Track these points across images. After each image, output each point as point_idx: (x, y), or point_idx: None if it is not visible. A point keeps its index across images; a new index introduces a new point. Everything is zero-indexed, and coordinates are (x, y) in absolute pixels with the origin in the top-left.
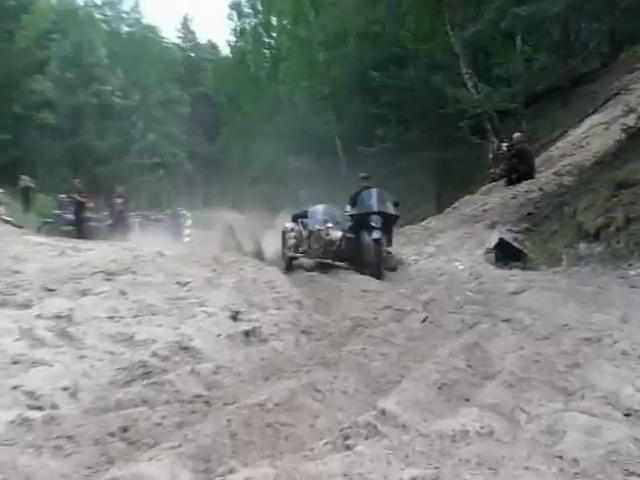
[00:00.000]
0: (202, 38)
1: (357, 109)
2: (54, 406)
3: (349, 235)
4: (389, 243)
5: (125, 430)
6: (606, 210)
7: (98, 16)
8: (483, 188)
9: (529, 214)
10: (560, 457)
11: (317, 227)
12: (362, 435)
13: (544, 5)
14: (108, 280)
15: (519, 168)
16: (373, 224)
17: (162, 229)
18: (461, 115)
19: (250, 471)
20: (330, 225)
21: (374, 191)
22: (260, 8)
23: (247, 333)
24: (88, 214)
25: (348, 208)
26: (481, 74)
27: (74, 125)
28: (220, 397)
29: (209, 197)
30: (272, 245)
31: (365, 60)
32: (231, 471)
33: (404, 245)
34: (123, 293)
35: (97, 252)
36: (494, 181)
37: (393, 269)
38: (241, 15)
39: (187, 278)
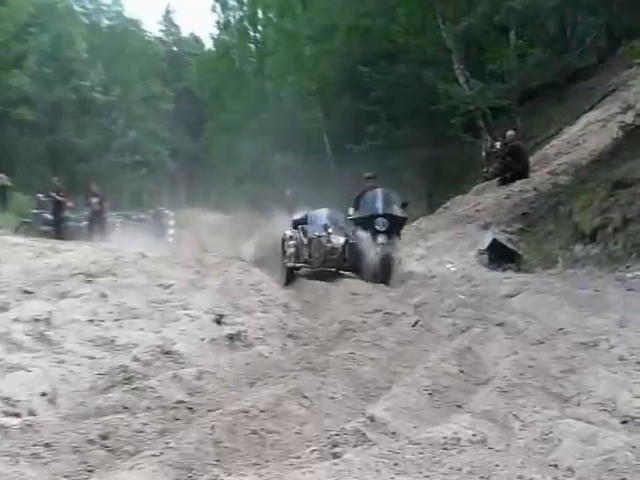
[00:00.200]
0: (185, 31)
1: (346, 105)
2: (32, 412)
3: (352, 241)
4: (398, 248)
5: (105, 437)
6: (603, 210)
7: (78, 9)
8: (476, 187)
9: (523, 214)
10: (555, 466)
11: (317, 234)
12: (350, 443)
13: None
14: (88, 282)
15: (513, 167)
16: (378, 228)
17: (144, 229)
18: (453, 112)
19: None
20: (331, 231)
21: (379, 191)
22: (245, 0)
23: (232, 337)
24: (67, 214)
25: (351, 211)
26: (474, 69)
27: (53, 122)
28: (203, 403)
29: (193, 196)
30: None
31: (354, 55)
32: None
33: None
34: (103, 296)
35: (76, 253)
36: (487, 180)
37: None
38: (225, 8)
39: (170, 280)
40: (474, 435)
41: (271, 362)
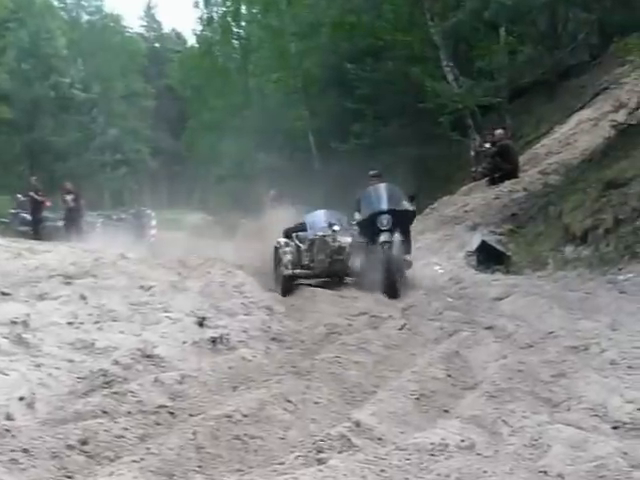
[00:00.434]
0: (167, 27)
1: (331, 103)
2: (9, 417)
3: (359, 241)
4: (406, 248)
5: (84, 443)
6: (594, 211)
7: (57, 4)
8: (464, 188)
9: (513, 215)
10: (544, 472)
11: (320, 233)
12: (335, 448)
13: None
14: (67, 284)
15: (502, 167)
16: (381, 226)
17: (125, 229)
18: (441, 110)
19: None
20: (337, 228)
21: (382, 186)
22: None
23: (214, 340)
24: (46, 214)
25: (356, 216)
26: (462, 67)
27: (31, 119)
28: (185, 408)
29: (175, 196)
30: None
31: (340, 52)
32: None
33: None
34: (83, 298)
35: (55, 254)
36: (476, 180)
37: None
38: (208, 3)
39: (151, 282)
40: (462, 441)
41: (254, 366)
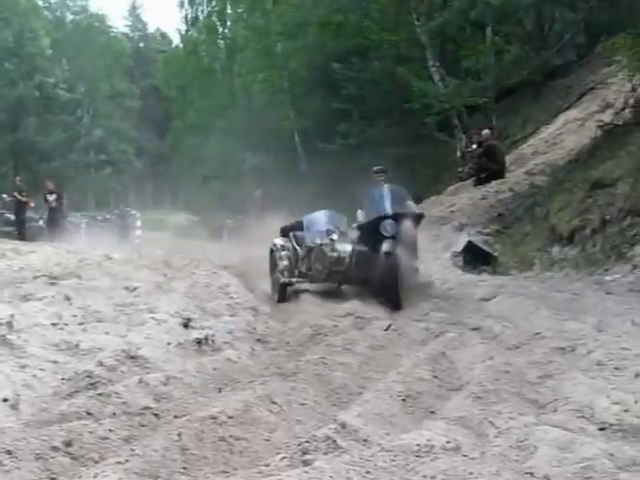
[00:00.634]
0: (152, 27)
1: (317, 103)
2: None
3: (360, 248)
4: (412, 256)
5: (69, 444)
6: (581, 212)
7: (41, 3)
8: (450, 188)
9: (499, 215)
10: (531, 474)
11: (318, 241)
12: (321, 450)
13: None
14: (51, 285)
15: (489, 167)
16: (384, 233)
17: (109, 230)
18: (427, 110)
19: None
20: (335, 237)
21: (386, 187)
22: None
23: (199, 342)
24: (30, 214)
25: (360, 216)
26: (449, 67)
27: (15, 120)
28: (170, 409)
29: (160, 196)
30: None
31: (326, 51)
32: None
33: None
34: (67, 299)
35: (39, 255)
36: (462, 180)
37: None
38: (193, 3)
39: (136, 283)
40: (448, 442)
41: (240, 367)
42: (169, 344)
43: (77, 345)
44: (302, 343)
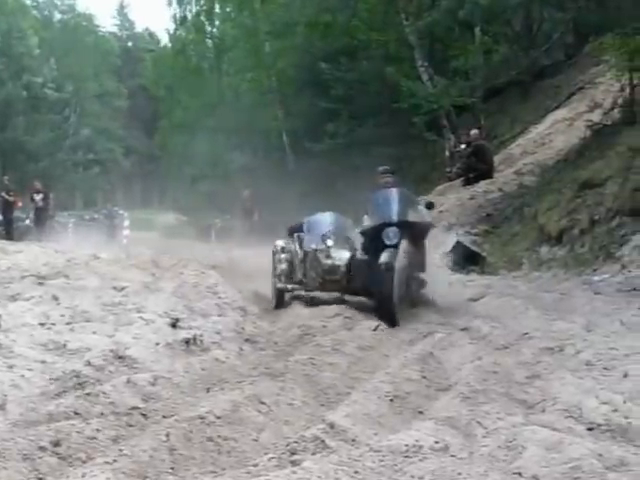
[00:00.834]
0: (140, 27)
1: (306, 103)
2: None
3: (359, 257)
4: (419, 268)
5: (57, 444)
6: (569, 212)
7: (29, 3)
8: (439, 188)
9: (488, 216)
10: (519, 474)
11: (313, 246)
12: (309, 450)
13: None
14: (39, 284)
15: (477, 167)
16: (387, 241)
17: (97, 230)
18: (416, 110)
19: None
20: (330, 243)
21: (393, 191)
22: None
23: (187, 341)
24: (18, 214)
25: (366, 221)
26: (437, 66)
27: (2, 119)
28: (158, 409)
29: (148, 196)
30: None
31: (315, 51)
32: None
33: None
34: (55, 298)
35: (27, 254)
36: (450, 180)
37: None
38: (181, 2)
39: (124, 282)
40: (436, 442)
41: (228, 367)
42: (157, 344)
43: (65, 345)
44: (291, 343)
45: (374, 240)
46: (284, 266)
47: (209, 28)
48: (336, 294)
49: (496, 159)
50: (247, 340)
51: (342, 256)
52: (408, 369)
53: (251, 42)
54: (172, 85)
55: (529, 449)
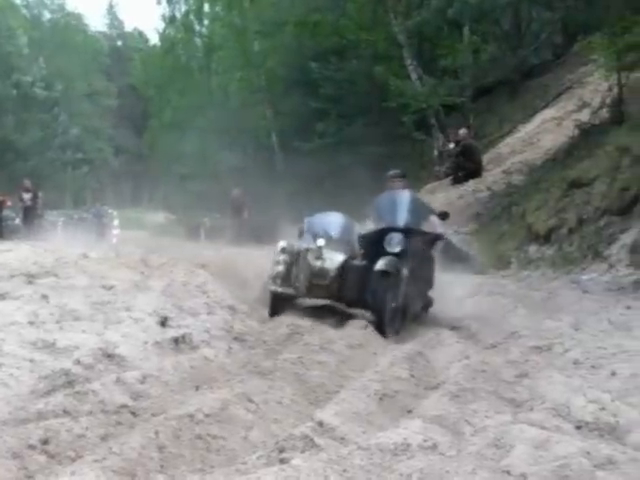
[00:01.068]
0: (129, 26)
1: (295, 102)
2: None
3: (354, 262)
4: (425, 284)
5: (46, 442)
6: (557, 211)
7: (19, 2)
8: (427, 187)
9: (476, 215)
10: (507, 472)
11: (305, 247)
12: (298, 448)
13: None
14: (28, 283)
15: (466, 166)
16: (388, 248)
17: (86, 229)
18: (405, 109)
19: None
20: (322, 243)
21: (402, 195)
22: None
23: (176, 340)
24: (7, 212)
25: (368, 225)
26: (426, 65)
27: None
28: (147, 408)
29: (138, 195)
30: None
31: (304, 50)
32: None
33: None
34: (44, 297)
35: (16, 253)
36: (439, 179)
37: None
38: (171, 1)
39: (113, 281)
40: (425, 441)
41: (217, 366)
42: (146, 342)
43: (54, 343)
44: (280, 342)
45: (374, 245)
46: (280, 268)
47: (198, 27)
48: (324, 301)
49: (485, 158)
50: (236, 339)
51: (334, 258)
52: (397, 368)
53: (240, 41)
54: (161, 84)
55: (517, 447)
